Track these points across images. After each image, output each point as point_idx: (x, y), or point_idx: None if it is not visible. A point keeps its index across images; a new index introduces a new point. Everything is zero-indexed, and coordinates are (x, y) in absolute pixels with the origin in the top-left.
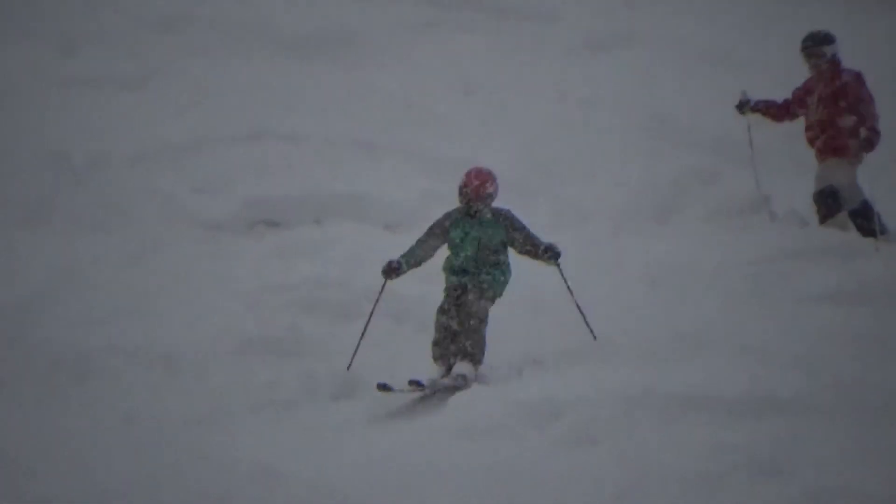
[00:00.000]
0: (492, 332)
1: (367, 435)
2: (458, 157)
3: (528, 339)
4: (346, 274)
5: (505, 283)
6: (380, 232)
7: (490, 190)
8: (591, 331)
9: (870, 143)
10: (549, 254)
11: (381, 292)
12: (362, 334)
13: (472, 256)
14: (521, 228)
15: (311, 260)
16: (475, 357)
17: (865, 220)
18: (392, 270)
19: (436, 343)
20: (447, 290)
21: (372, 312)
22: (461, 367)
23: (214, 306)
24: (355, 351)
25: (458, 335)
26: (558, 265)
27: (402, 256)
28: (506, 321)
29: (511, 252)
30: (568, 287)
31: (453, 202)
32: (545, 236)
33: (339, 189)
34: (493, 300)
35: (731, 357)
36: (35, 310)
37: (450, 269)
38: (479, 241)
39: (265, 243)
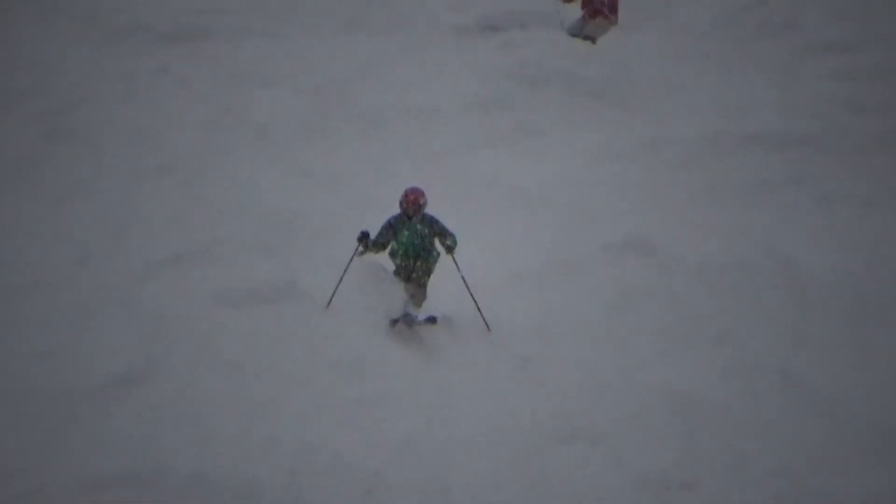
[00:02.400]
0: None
1: None
2: None
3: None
4: None
5: (435, 260)
6: None
7: (422, 202)
8: (486, 323)
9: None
10: (448, 249)
11: (355, 252)
12: (340, 279)
13: (413, 247)
14: (442, 231)
15: None
16: (420, 302)
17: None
18: (362, 240)
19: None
20: (399, 269)
21: (348, 265)
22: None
23: None
24: (333, 292)
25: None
26: (453, 257)
27: (373, 238)
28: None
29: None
30: (462, 277)
31: None
32: None
33: None
34: (430, 273)
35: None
36: None
37: (397, 255)
38: (417, 239)
39: None
